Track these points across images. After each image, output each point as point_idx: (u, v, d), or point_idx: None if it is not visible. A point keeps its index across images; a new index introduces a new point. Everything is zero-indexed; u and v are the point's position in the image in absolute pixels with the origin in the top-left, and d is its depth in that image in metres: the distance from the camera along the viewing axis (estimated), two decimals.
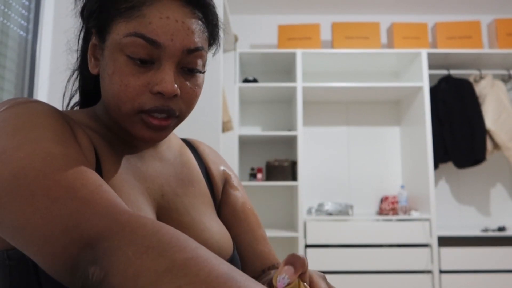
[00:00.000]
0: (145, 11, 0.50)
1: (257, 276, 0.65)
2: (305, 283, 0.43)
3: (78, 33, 0.61)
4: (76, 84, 0.65)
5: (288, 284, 0.39)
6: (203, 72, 0.56)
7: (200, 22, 0.53)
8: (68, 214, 0.39)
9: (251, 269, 0.67)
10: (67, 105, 0.67)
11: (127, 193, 0.53)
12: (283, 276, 0.40)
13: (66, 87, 0.65)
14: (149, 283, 0.33)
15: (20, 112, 0.47)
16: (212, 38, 0.58)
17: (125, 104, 0.51)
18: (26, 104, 0.49)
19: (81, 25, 0.60)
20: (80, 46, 0.62)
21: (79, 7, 0.58)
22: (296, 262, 0.41)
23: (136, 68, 0.50)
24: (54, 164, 0.42)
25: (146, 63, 0.51)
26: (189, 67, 0.53)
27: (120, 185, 0.52)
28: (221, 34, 0.60)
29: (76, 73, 0.64)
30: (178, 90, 0.52)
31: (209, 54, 0.60)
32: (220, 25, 0.59)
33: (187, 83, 0.54)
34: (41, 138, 0.44)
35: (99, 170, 0.51)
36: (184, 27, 0.51)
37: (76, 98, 0.67)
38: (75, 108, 0.67)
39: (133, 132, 0.53)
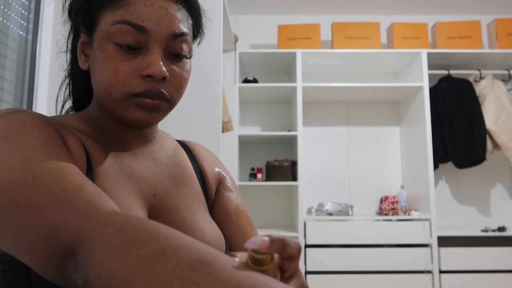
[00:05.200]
0: (130, 0, 0.52)
1: None
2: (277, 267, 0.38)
3: (67, 37, 0.62)
4: (69, 89, 0.66)
5: (260, 261, 0.35)
6: (190, 58, 0.58)
7: (183, 10, 0.56)
8: (48, 222, 0.39)
9: None
10: (61, 111, 0.68)
11: (118, 194, 0.53)
12: (255, 240, 0.35)
13: (58, 93, 0.66)
14: (120, 283, 0.32)
15: (4, 124, 0.47)
16: (197, 27, 0.60)
17: (116, 89, 0.53)
18: (11, 114, 0.49)
19: (70, 28, 0.61)
20: (69, 48, 0.63)
21: (66, 10, 0.59)
22: (276, 240, 0.36)
23: (125, 54, 0.52)
24: (35, 172, 0.42)
25: (134, 49, 0.53)
26: (175, 52, 0.55)
27: (111, 187, 0.53)
28: (205, 23, 0.62)
29: (67, 79, 0.65)
30: (167, 73, 0.54)
31: (194, 45, 0.62)
32: (203, 14, 0.62)
33: (175, 67, 0.56)
34: (23, 147, 0.44)
35: (90, 172, 0.52)
36: (168, 13, 0.53)
37: (70, 103, 0.68)
38: (70, 113, 0.67)
39: (126, 117, 0.54)
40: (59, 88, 0.66)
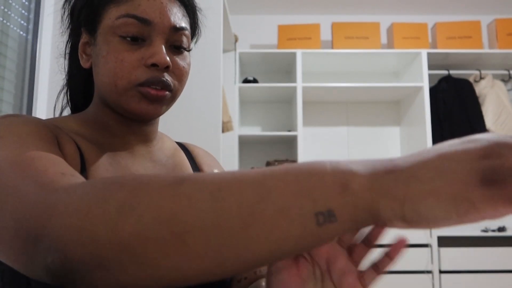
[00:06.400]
0: None
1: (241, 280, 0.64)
2: None
3: (66, 42, 0.63)
4: (67, 97, 0.67)
5: None
6: (189, 51, 0.61)
7: (182, 8, 0.59)
8: (9, 214, 0.36)
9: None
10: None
11: None
12: None
13: (56, 102, 0.67)
14: (109, 231, 0.30)
15: None
16: (194, 26, 0.63)
17: (121, 79, 0.54)
18: (4, 118, 0.49)
19: (69, 33, 0.62)
20: (68, 51, 0.64)
21: (68, 10, 0.61)
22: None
23: (129, 45, 0.54)
24: (2, 170, 0.40)
25: (137, 40, 0.55)
26: (176, 44, 0.58)
27: None
28: (201, 22, 0.65)
29: (66, 88, 0.66)
30: (170, 62, 0.55)
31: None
32: (200, 13, 0.64)
33: (176, 59, 0.58)
34: (2, 146, 0.43)
35: (84, 175, 0.52)
36: (168, 8, 0.56)
37: (67, 111, 0.68)
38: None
39: (130, 108, 0.55)
40: (57, 97, 0.67)
